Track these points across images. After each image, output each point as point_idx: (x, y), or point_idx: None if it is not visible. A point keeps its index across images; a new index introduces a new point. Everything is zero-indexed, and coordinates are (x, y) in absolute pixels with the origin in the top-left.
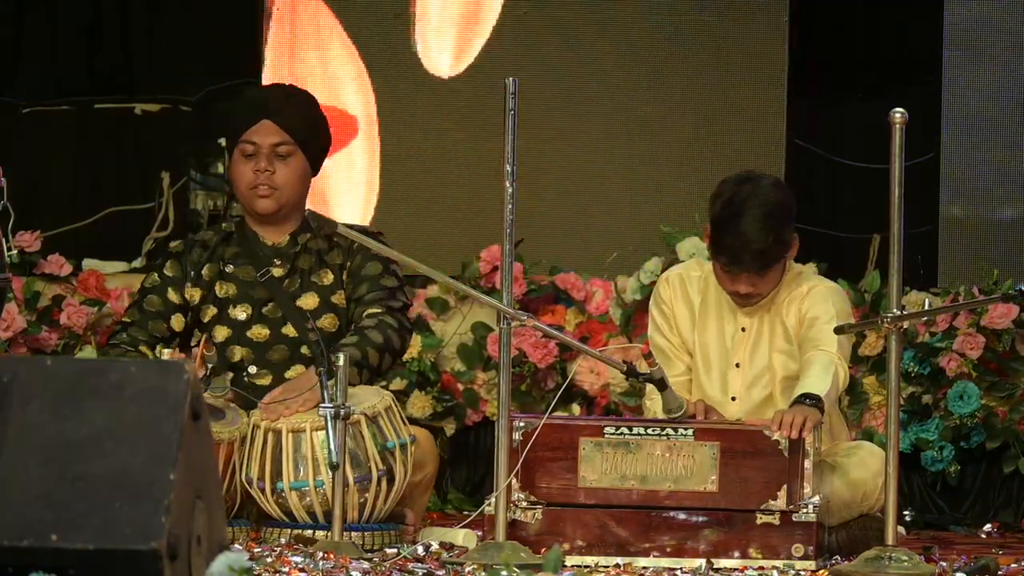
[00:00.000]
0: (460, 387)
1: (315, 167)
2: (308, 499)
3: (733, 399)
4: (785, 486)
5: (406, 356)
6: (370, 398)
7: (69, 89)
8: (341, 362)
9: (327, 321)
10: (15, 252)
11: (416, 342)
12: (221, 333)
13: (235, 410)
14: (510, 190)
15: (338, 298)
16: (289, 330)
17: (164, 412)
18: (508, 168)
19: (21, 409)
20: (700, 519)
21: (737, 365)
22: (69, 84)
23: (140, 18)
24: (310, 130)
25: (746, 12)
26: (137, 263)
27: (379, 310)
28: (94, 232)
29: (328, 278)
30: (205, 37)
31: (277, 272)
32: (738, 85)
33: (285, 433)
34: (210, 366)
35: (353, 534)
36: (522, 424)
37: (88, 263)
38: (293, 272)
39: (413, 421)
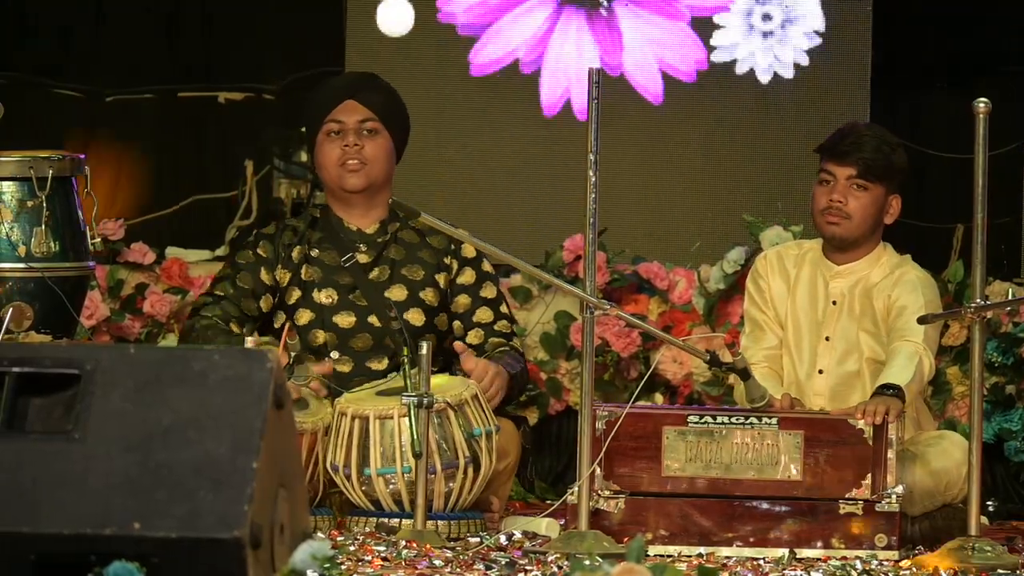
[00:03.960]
0: (543, 376)
1: (400, 150)
2: (394, 485)
3: (820, 372)
4: (869, 475)
5: None
6: (456, 387)
7: (152, 78)
8: (424, 351)
9: (414, 315)
10: (99, 240)
11: None
12: (304, 316)
13: (319, 399)
14: (593, 179)
15: (427, 294)
16: (374, 320)
17: (248, 400)
18: (591, 157)
19: (104, 397)
20: (783, 508)
21: (827, 338)
22: (152, 73)
23: (223, 6)
24: (394, 111)
25: (829, 1)
26: (220, 251)
27: (518, 344)
28: (177, 220)
29: (419, 274)
30: (288, 25)
31: (362, 259)
32: (822, 75)
33: (373, 419)
34: (293, 355)
35: (438, 522)
36: (605, 413)
37: (171, 251)
38: (381, 261)
39: (496, 411)
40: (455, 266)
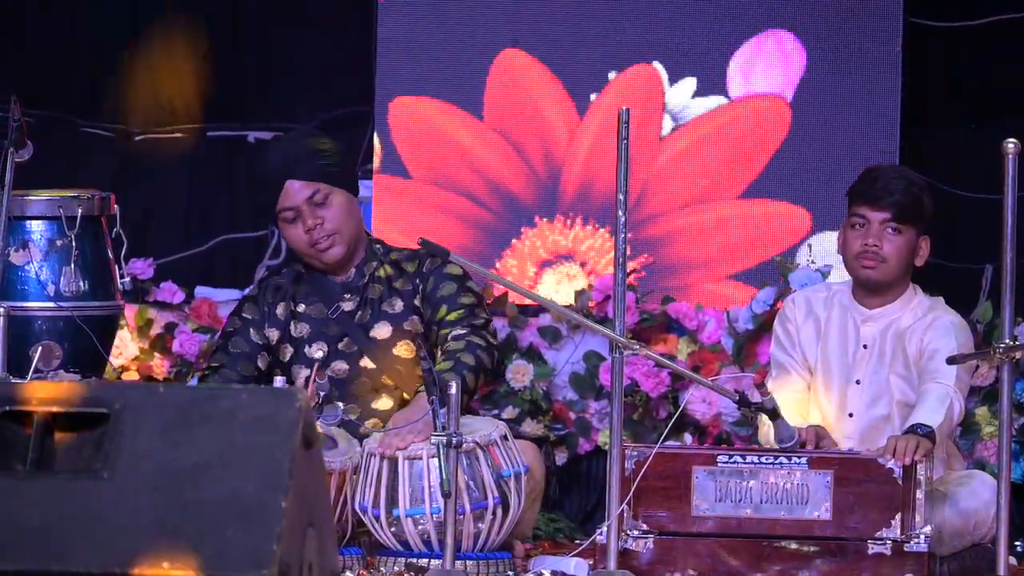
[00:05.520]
0: (572, 416)
1: (355, 189)
2: (423, 526)
3: (850, 415)
4: (898, 515)
5: (519, 385)
6: (485, 427)
7: (182, 117)
8: (454, 390)
9: (403, 349)
10: (128, 279)
11: (528, 371)
12: (301, 373)
13: (347, 438)
14: (623, 219)
15: (411, 324)
16: (367, 363)
17: (276, 439)
18: (620, 197)
19: (133, 436)
20: (812, 548)
21: (857, 382)
22: (182, 112)
23: (253, 45)
24: (332, 164)
25: (859, 41)
26: (249, 291)
27: (464, 331)
28: (207, 260)
29: (398, 306)
30: (318, 64)
31: (347, 307)
32: (851, 115)
33: (401, 460)
34: (322, 394)
35: (467, 562)
36: (634, 453)
37: (201, 291)
38: (363, 304)
39: (517, 435)
40: (428, 283)
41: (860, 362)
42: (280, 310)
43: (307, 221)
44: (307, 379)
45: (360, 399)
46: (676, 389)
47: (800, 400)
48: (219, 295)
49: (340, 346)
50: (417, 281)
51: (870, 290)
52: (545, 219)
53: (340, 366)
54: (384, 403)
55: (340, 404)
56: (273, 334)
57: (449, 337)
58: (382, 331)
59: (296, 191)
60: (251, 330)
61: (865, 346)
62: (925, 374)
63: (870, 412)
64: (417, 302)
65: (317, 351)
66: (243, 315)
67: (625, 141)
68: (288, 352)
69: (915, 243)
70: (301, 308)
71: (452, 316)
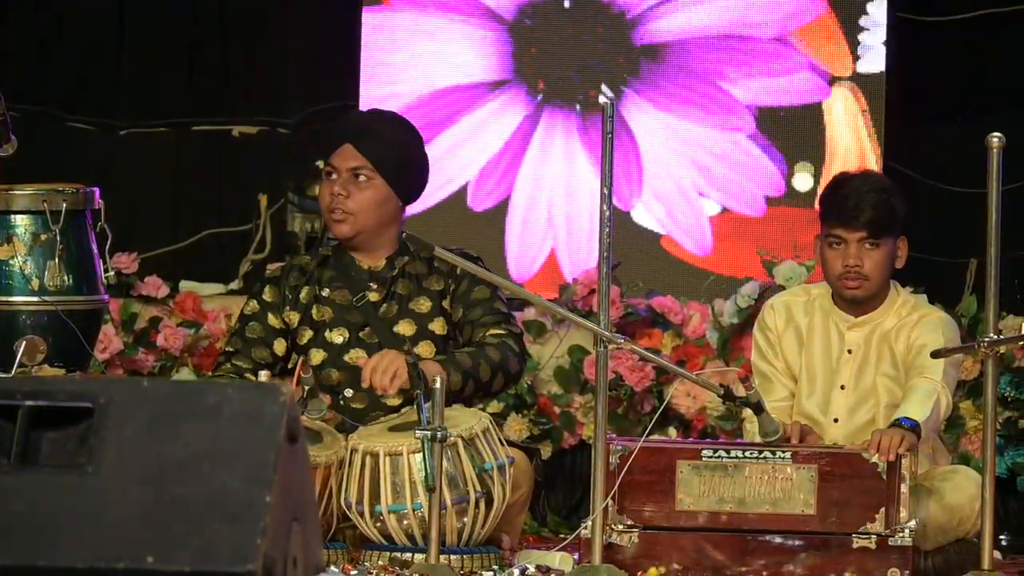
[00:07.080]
0: (557, 410)
1: (403, 194)
2: (407, 522)
3: (835, 421)
4: (882, 510)
5: None
6: (468, 420)
7: (167, 111)
8: (438, 385)
9: (424, 348)
10: (112, 274)
11: None
12: (317, 356)
13: (332, 433)
14: (607, 213)
15: (435, 325)
16: None
17: (261, 434)
18: (605, 191)
19: (117, 431)
20: (796, 543)
21: (842, 387)
22: (167, 106)
23: (238, 41)
24: (392, 156)
25: (844, 35)
26: (234, 285)
27: (502, 332)
28: (191, 254)
29: (425, 305)
30: (303, 59)
31: (373, 296)
32: (837, 108)
33: (383, 456)
34: (307, 388)
35: (451, 557)
36: (619, 447)
37: (185, 285)
38: (390, 297)
39: (508, 443)
40: (461, 284)
41: (844, 367)
42: (304, 294)
43: (335, 187)
44: (301, 360)
45: (371, 390)
46: (661, 383)
47: (783, 408)
48: (203, 289)
49: (361, 335)
50: (450, 281)
51: (855, 305)
52: None
53: (358, 355)
54: (393, 399)
55: (324, 399)
56: (293, 317)
57: (486, 333)
58: (405, 328)
59: (347, 155)
60: (269, 314)
61: (849, 351)
62: (912, 370)
63: (854, 417)
64: (446, 303)
65: (338, 336)
66: (263, 298)
67: (610, 135)
68: (307, 335)
69: (893, 249)
70: (325, 292)
71: (488, 318)
